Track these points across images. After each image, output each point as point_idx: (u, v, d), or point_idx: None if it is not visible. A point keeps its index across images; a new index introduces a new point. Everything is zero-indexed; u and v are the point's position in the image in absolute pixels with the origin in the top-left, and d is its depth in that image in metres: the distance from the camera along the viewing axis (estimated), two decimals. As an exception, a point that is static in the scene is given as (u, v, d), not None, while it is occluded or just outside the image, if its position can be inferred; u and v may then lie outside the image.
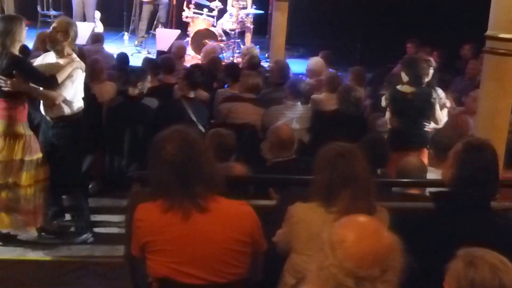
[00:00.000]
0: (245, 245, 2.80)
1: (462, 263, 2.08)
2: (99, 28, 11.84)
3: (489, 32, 4.40)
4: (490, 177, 2.94)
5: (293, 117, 6.31)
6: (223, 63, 9.15)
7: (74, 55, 5.20)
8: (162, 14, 12.13)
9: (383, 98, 6.51)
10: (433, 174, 4.51)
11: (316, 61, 8.45)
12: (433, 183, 4.01)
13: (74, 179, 5.45)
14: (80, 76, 5.21)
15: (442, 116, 6.34)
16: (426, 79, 6.31)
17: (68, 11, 11.64)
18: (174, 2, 12.39)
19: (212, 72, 8.05)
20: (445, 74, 8.55)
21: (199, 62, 9.67)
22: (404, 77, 6.08)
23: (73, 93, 5.17)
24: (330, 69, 8.43)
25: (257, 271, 2.96)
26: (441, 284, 2.19)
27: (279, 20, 9.54)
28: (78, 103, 5.26)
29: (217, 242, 2.75)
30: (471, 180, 2.88)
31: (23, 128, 5.05)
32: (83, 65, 5.23)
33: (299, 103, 6.49)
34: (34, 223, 5.24)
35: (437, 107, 6.09)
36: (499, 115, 4.43)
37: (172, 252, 2.75)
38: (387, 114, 6.24)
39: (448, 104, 6.85)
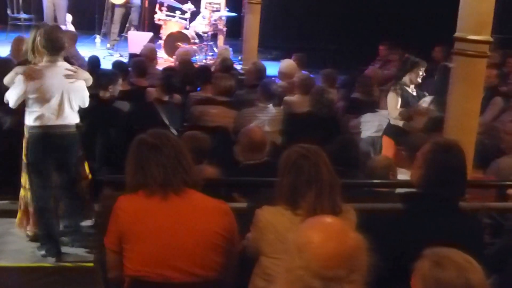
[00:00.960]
0: (223, 240, 2.87)
1: (429, 262, 2.09)
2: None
3: (457, 34, 4.44)
4: (458, 177, 2.97)
5: (265, 119, 6.31)
6: (196, 66, 9.12)
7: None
8: (134, 16, 12.06)
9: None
10: (404, 175, 4.53)
11: (288, 63, 8.47)
12: (401, 184, 4.02)
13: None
14: (18, 82, 4.93)
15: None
16: None
17: (39, 14, 11.53)
18: (147, 5, 12.34)
19: (185, 75, 8.03)
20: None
21: (172, 64, 9.63)
22: None
23: (15, 99, 4.93)
24: (303, 71, 8.44)
25: (230, 273, 2.98)
26: (409, 284, 2.20)
27: (252, 23, 9.55)
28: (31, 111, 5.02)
29: (198, 232, 2.81)
30: (439, 180, 2.90)
31: None
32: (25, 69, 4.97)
33: (271, 105, 6.49)
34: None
35: None
36: (469, 116, 4.48)
37: (152, 241, 2.78)
38: None
39: None
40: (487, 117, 7.88)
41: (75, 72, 5.05)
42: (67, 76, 4.99)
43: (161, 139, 2.94)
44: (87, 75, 5.22)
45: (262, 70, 7.72)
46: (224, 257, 2.90)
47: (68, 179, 5.28)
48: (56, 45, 4.97)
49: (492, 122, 7.76)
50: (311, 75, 8.30)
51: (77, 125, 5.20)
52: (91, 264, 4.21)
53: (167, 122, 6.12)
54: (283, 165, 2.97)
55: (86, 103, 5.23)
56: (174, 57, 10.19)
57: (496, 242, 3.54)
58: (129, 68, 7.99)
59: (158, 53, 10.03)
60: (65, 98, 5.03)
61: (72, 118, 5.14)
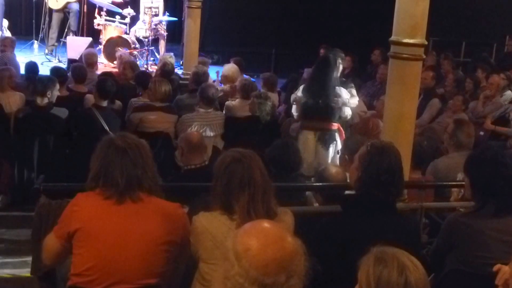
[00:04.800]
0: (175, 245, 2.89)
1: (373, 259, 2.10)
2: (7, 37, 11.44)
3: (393, 38, 4.51)
4: (394, 179, 3.02)
5: (206, 124, 6.29)
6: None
7: None
8: (72, 21, 11.84)
9: None
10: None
11: (230, 67, 8.48)
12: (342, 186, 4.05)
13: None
14: None
15: None
16: None
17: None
18: (85, 10, 12.13)
19: (125, 81, 7.94)
20: (356, 79, 8.73)
21: (112, 70, 9.51)
22: None
23: None
24: (245, 75, 8.46)
25: (176, 279, 3.01)
26: (346, 286, 2.22)
27: (192, 27, 9.50)
28: None
29: (151, 236, 2.82)
30: (375, 181, 2.95)
31: None
32: None
33: (211, 110, 6.48)
34: None
35: None
36: (405, 118, 4.54)
37: (102, 244, 2.78)
38: None
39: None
40: (424, 118, 8.06)
41: None
42: None
43: (129, 144, 2.93)
44: None
45: (202, 74, 7.70)
46: (172, 263, 2.91)
47: None
48: None
49: (430, 124, 7.95)
50: (253, 79, 8.34)
51: None
52: (28, 275, 4.10)
53: (106, 128, 6.03)
54: (217, 169, 2.97)
55: None
56: (115, 62, 10.06)
57: (433, 241, 3.60)
58: (68, 74, 7.86)
59: (98, 58, 9.90)
60: None
61: None
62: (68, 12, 11.80)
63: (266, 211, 2.83)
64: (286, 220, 2.94)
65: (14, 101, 6.65)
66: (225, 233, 2.74)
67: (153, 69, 10.61)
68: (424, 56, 4.78)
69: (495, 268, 2.24)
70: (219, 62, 11.85)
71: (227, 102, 7.22)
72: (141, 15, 11.87)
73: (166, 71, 8.11)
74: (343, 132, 6.31)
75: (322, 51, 11.19)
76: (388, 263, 2.07)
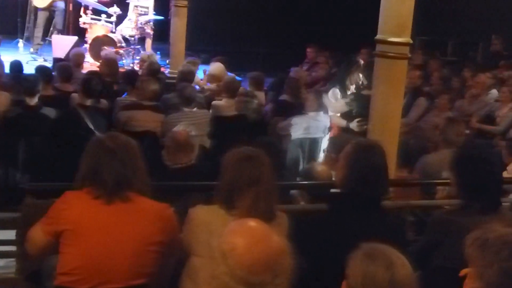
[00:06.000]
0: (163, 246, 2.90)
1: (361, 255, 2.11)
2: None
3: (378, 36, 4.53)
4: (379, 177, 3.02)
5: (191, 123, 6.27)
6: (122, 70, 8.99)
7: None
8: (58, 20, 11.76)
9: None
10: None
11: (216, 66, 8.47)
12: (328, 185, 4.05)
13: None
14: None
15: None
16: None
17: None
18: (71, 8, 12.03)
19: (111, 79, 7.90)
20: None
21: (96, 69, 9.46)
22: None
23: None
24: (229, 73, 8.45)
25: (164, 278, 3.00)
26: (333, 284, 2.22)
27: (178, 26, 9.48)
28: None
29: (137, 239, 2.82)
30: (361, 180, 2.95)
31: None
32: None
33: (195, 108, 6.47)
34: None
35: None
36: (391, 116, 4.57)
37: (91, 243, 2.78)
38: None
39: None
40: (411, 117, 8.10)
41: None
42: None
43: (118, 144, 2.93)
44: None
45: (188, 74, 7.68)
46: (160, 263, 2.92)
47: None
48: None
49: (417, 122, 7.99)
50: (239, 78, 8.33)
51: None
52: (14, 275, 4.07)
53: (92, 127, 6.00)
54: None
55: None
56: (100, 61, 10.01)
57: (419, 239, 3.61)
58: (54, 73, 7.81)
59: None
60: None
61: None
62: (54, 11, 11.70)
63: (267, 211, 2.83)
64: (282, 223, 2.95)
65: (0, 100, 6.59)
66: (221, 228, 2.72)
67: (138, 68, 10.56)
68: (410, 55, 4.80)
69: (462, 273, 2.24)
70: (207, 62, 11.82)
71: (213, 101, 7.21)
72: (129, 14, 11.81)
73: (152, 70, 8.09)
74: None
75: (309, 50, 11.26)
76: (375, 259, 2.07)
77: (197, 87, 8.16)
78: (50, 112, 6.27)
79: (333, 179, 4.06)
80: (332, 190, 3.72)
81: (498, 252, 2.08)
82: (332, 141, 5.38)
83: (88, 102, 6.33)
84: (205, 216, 2.91)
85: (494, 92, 8.66)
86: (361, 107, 6.02)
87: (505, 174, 4.56)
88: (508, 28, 11.98)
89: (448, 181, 3.65)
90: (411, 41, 4.52)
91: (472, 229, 3.15)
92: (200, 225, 2.91)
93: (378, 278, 2.03)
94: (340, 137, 5.13)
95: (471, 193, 3.24)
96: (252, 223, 2.13)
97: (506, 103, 7.97)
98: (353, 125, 6.13)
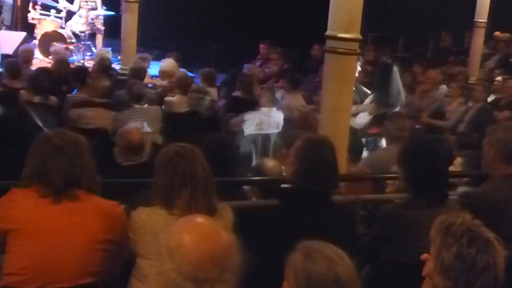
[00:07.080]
0: (111, 244, 2.88)
1: (300, 255, 2.11)
2: None
3: (328, 32, 4.54)
4: (329, 171, 3.05)
5: (143, 120, 6.22)
6: (72, 67, 8.84)
7: None
8: (6, 16, 11.54)
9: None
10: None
11: (168, 62, 8.43)
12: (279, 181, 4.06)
13: None
14: None
15: None
16: None
17: None
18: (19, 3, 11.81)
19: (60, 76, 7.77)
20: (295, 73, 8.77)
21: (48, 65, 9.29)
22: None
23: None
24: (181, 69, 8.39)
25: (112, 277, 2.97)
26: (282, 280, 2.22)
27: (130, 22, 9.34)
28: None
29: (87, 235, 2.80)
30: (310, 175, 2.97)
31: None
32: None
33: (146, 105, 6.41)
34: None
35: None
36: (341, 112, 4.59)
37: (38, 242, 2.75)
38: None
39: None
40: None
41: None
42: None
43: (66, 141, 2.88)
44: None
45: (140, 70, 7.60)
46: (109, 261, 2.90)
47: None
48: None
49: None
50: (191, 74, 8.28)
51: None
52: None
53: (40, 125, 5.89)
54: (159, 164, 2.95)
55: None
56: (50, 57, 9.84)
57: (369, 233, 3.65)
58: (1, 70, 7.65)
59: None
60: None
61: None
62: (1, 6, 11.48)
63: (207, 207, 2.83)
64: (226, 216, 2.94)
65: None
66: (164, 228, 2.71)
67: (89, 64, 10.41)
68: (359, 51, 4.83)
69: (422, 257, 2.29)
70: (159, 58, 11.72)
71: (166, 98, 7.16)
72: (76, 8, 11.58)
73: (103, 66, 7.99)
74: None
75: (261, 46, 11.26)
76: (315, 259, 2.07)
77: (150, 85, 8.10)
78: (-2, 109, 6.14)
79: (284, 174, 4.10)
80: (283, 186, 3.74)
81: (459, 238, 2.14)
82: (282, 136, 5.39)
83: (36, 99, 6.21)
84: (147, 218, 2.89)
85: (443, 87, 8.82)
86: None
87: (452, 168, 4.63)
88: (457, 24, 12.22)
89: (397, 175, 3.70)
90: (361, 37, 4.55)
91: (420, 222, 3.23)
92: (142, 227, 2.89)
93: (321, 279, 2.04)
94: (291, 132, 5.14)
95: (417, 187, 3.29)
96: (200, 219, 2.12)
97: (455, 98, 8.15)
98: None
